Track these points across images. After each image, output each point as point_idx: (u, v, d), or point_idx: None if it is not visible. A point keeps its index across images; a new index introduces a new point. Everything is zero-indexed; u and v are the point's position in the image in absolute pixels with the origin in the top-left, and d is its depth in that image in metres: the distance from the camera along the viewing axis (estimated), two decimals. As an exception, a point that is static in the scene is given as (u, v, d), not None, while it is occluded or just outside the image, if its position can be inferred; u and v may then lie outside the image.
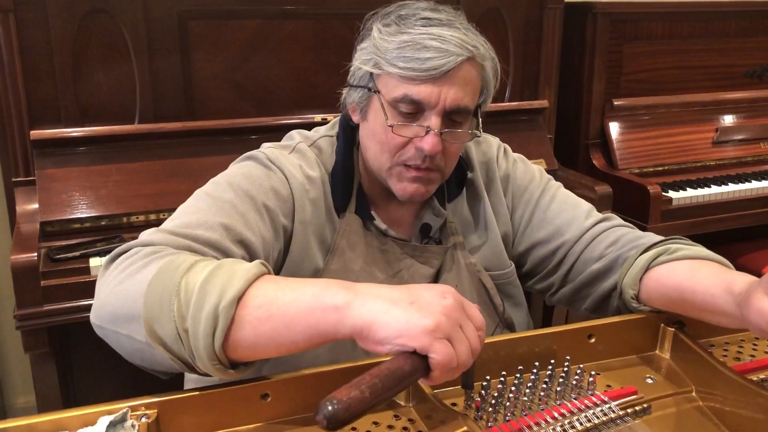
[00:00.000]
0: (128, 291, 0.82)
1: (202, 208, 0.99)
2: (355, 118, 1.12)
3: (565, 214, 1.21)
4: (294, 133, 1.18)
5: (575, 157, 2.55)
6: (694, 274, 1.01)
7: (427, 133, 1.03)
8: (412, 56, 1.00)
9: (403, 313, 0.73)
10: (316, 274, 1.09)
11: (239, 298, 0.76)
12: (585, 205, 1.24)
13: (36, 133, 1.79)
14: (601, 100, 2.49)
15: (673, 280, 1.03)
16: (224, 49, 1.98)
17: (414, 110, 1.03)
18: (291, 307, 0.76)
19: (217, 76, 1.99)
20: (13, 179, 1.83)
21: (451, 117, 1.05)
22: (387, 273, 1.14)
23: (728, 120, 2.64)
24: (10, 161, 1.83)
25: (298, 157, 1.12)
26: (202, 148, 1.93)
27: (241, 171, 1.07)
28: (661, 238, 1.14)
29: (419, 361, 0.73)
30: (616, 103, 2.50)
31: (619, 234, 1.17)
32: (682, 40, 2.58)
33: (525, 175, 1.25)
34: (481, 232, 1.22)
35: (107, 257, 0.90)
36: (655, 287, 1.06)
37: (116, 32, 1.86)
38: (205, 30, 1.95)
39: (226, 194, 1.02)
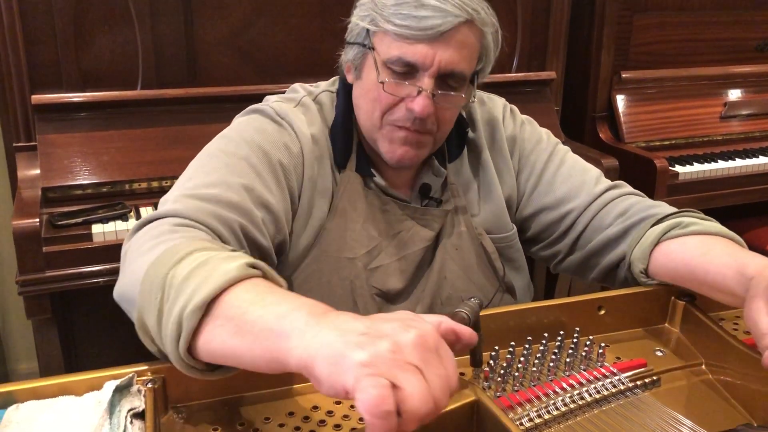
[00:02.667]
0: (134, 272, 0.78)
1: (219, 167, 0.98)
2: (350, 78, 1.10)
3: (574, 179, 1.19)
4: (297, 86, 1.17)
5: (582, 130, 2.52)
6: (707, 252, 0.98)
7: (419, 93, 1.01)
8: (409, 13, 0.98)
9: (342, 345, 0.58)
10: (320, 230, 1.09)
11: (209, 303, 0.69)
12: (594, 171, 1.22)
13: (37, 98, 1.77)
14: (608, 72, 2.46)
15: (685, 256, 1.01)
16: (228, 14, 1.94)
17: (407, 71, 1.01)
18: (255, 325, 0.66)
19: (221, 42, 1.96)
20: (15, 144, 1.81)
21: (446, 80, 1.02)
22: (387, 234, 1.13)
23: (737, 94, 2.61)
24: (11, 126, 1.81)
25: (303, 112, 1.11)
26: (204, 115, 1.90)
27: (252, 125, 1.06)
28: (673, 209, 1.12)
29: None
30: (624, 75, 2.46)
31: (630, 202, 1.15)
32: (693, 12, 2.54)
33: (532, 137, 1.23)
34: (484, 194, 1.20)
35: (134, 225, 0.88)
36: (665, 262, 1.04)
37: (118, -5, 1.82)
38: (208, -6, 1.91)
39: (241, 150, 1.00)
